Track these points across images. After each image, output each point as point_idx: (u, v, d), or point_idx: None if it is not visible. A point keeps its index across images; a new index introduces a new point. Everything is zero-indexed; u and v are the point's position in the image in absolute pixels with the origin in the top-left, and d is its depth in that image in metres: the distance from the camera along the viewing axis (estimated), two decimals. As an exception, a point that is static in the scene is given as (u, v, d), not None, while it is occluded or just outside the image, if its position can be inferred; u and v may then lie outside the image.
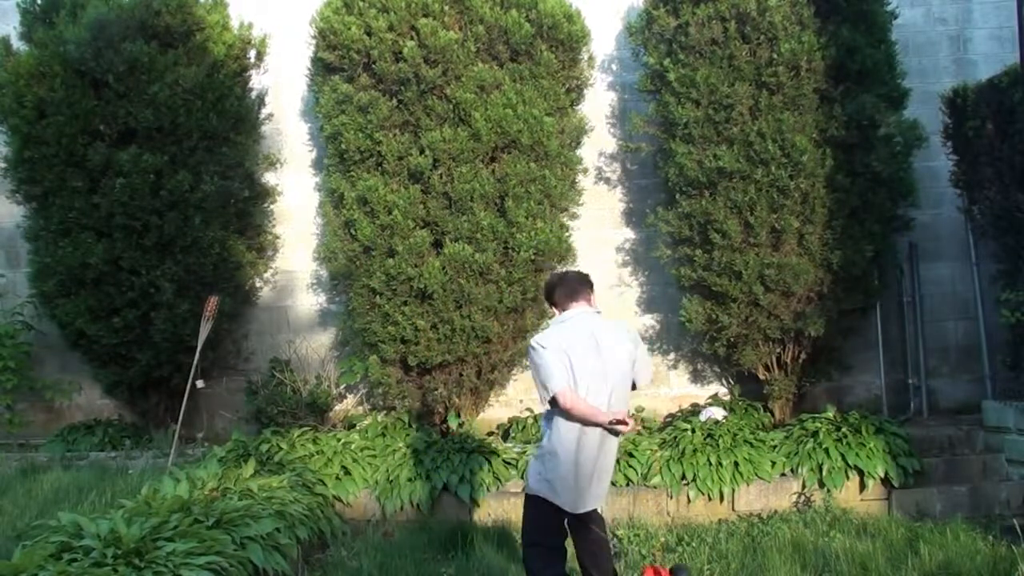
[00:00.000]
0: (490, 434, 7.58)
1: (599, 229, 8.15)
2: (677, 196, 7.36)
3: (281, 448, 6.50)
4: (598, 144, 8.18)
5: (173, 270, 7.32)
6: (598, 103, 8.19)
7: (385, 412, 7.41)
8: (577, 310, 4.26)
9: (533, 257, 7.08)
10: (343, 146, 7.18)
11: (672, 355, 8.19)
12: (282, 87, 8.26)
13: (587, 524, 4.23)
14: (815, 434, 6.58)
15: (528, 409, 7.85)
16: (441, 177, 7.09)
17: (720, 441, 6.55)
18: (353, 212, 7.18)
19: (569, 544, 4.31)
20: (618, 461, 5.90)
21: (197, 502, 4.79)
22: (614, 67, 8.39)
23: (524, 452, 6.65)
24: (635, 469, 6.50)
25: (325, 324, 8.29)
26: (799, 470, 6.46)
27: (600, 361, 4.10)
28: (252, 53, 7.94)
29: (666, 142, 7.41)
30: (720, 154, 7.01)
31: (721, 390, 8.07)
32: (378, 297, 7.16)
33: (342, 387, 7.84)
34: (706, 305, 7.31)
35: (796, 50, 6.84)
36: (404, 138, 7.12)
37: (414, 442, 6.72)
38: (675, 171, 7.27)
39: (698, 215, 7.20)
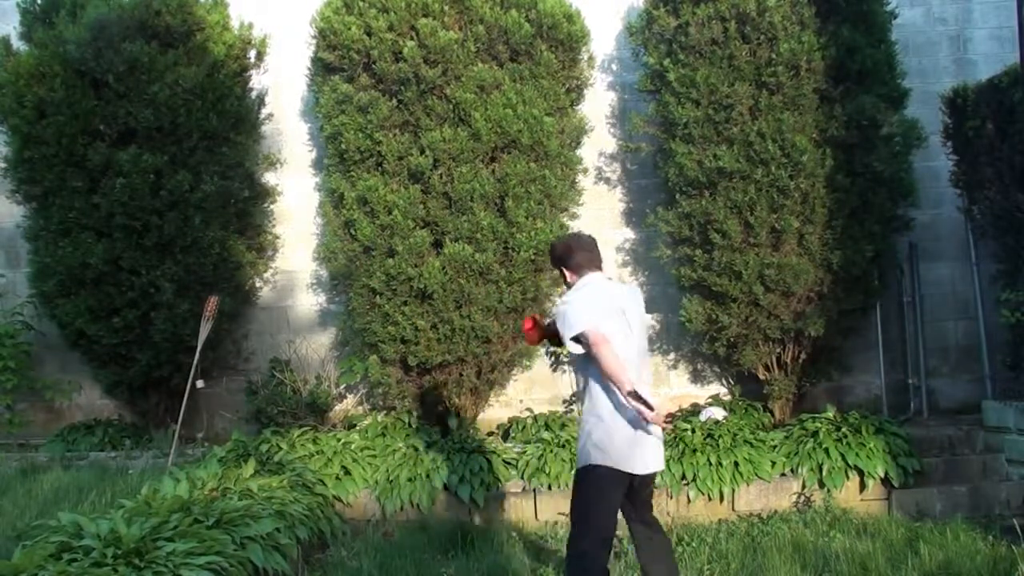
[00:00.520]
0: (490, 434, 7.58)
1: (599, 229, 8.08)
2: (677, 196, 7.36)
3: (281, 448, 6.50)
4: (598, 144, 8.18)
5: (173, 270, 7.32)
6: (598, 103, 8.19)
7: (385, 412, 7.41)
8: (597, 275, 4.14)
9: (533, 257, 7.09)
10: (343, 146, 7.18)
11: (672, 355, 8.19)
12: (282, 87, 8.26)
13: (650, 525, 4.13)
14: (815, 434, 6.58)
15: (528, 409, 7.85)
16: (441, 177, 7.09)
17: (720, 441, 6.55)
18: (353, 212, 7.18)
19: None
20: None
21: (197, 502, 4.79)
22: (614, 67, 8.39)
23: (524, 452, 6.66)
24: (635, 469, 6.49)
25: (325, 324, 8.29)
26: (799, 470, 6.46)
27: (628, 330, 4.01)
28: (252, 53, 7.93)
29: (666, 142, 7.41)
30: (720, 154, 7.01)
31: (721, 390, 8.07)
32: (378, 297, 7.16)
33: (342, 387, 7.84)
34: (706, 305, 7.31)
35: (796, 50, 6.84)
36: (404, 138, 7.12)
37: (414, 442, 6.72)
38: (675, 171, 7.28)
39: (698, 215, 7.20)
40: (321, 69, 7.42)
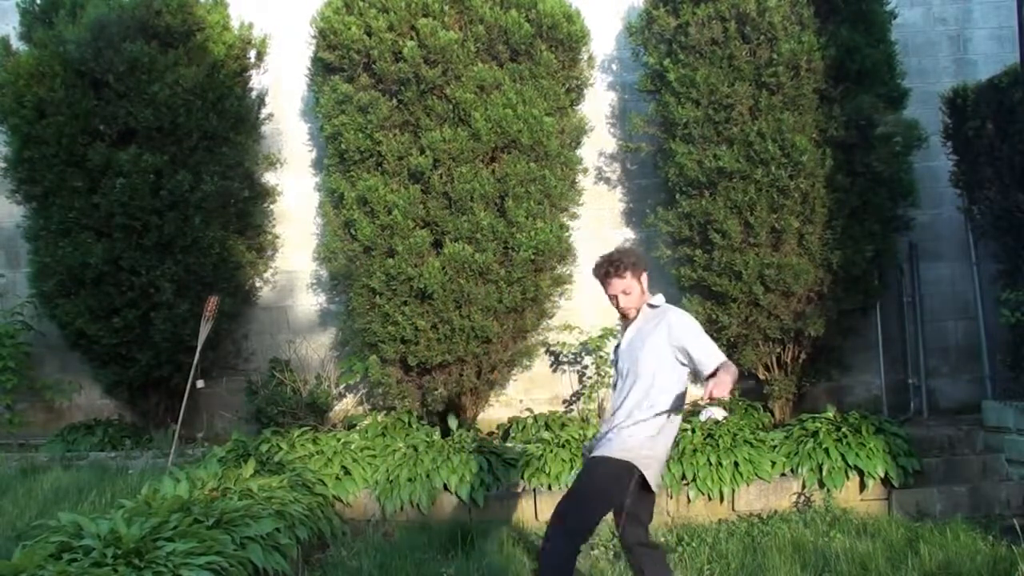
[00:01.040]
0: (490, 434, 7.58)
1: (599, 229, 8.14)
2: (677, 196, 7.36)
3: (281, 448, 6.49)
4: (598, 144, 8.19)
5: (173, 270, 7.32)
6: (598, 103, 8.19)
7: (385, 412, 7.41)
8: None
9: (533, 257, 7.08)
10: (343, 146, 7.18)
11: (672, 355, 8.18)
12: (282, 87, 8.26)
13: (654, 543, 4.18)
14: (815, 434, 6.58)
15: (528, 409, 7.85)
16: (441, 177, 7.09)
17: (720, 441, 6.55)
18: (353, 212, 7.18)
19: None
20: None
21: (197, 502, 4.78)
22: (614, 67, 8.39)
23: (524, 452, 6.65)
24: (635, 469, 6.49)
25: (325, 324, 8.29)
26: (799, 470, 6.46)
27: None
28: (252, 53, 7.94)
29: (666, 142, 7.41)
30: (720, 154, 7.01)
31: (721, 390, 8.05)
32: (378, 297, 7.16)
33: (342, 387, 7.84)
34: (706, 305, 7.31)
35: (795, 50, 6.84)
36: (404, 138, 7.12)
37: (414, 442, 6.72)
38: (675, 171, 7.28)
39: (698, 215, 7.20)
40: (321, 69, 7.42)
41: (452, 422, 7.13)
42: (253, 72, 7.98)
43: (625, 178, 8.35)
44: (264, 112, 8.06)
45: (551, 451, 6.57)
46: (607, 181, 8.35)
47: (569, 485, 6.30)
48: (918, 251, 7.86)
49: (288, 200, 8.26)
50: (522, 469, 6.49)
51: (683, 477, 6.41)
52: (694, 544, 5.64)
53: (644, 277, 4.20)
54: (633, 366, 4.08)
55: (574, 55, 7.40)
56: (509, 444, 7.10)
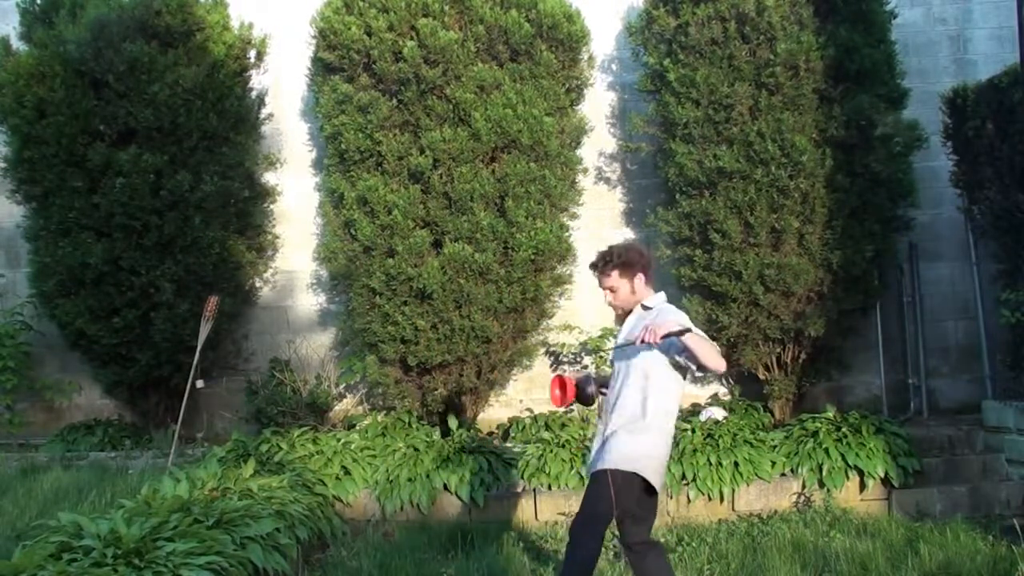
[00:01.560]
0: (490, 434, 7.58)
1: (599, 229, 8.14)
2: (677, 196, 7.37)
3: (281, 448, 6.49)
4: (598, 144, 8.19)
5: (173, 270, 7.32)
6: (598, 103, 8.19)
7: (385, 412, 7.41)
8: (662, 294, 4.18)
9: (533, 257, 7.09)
10: (343, 146, 7.18)
11: (672, 355, 8.18)
12: (282, 87, 8.27)
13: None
14: (815, 434, 6.58)
15: (528, 409, 7.85)
16: (441, 177, 7.09)
17: (720, 441, 6.54)
18: (353, 212, 7.18)
19: None
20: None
21: (197, 502, 4.78)
22: (614, 67, 8.39)
23: (524, 452, 6.65)
24: (635, 469, 6.49)
25: (325, 324, 8.29)
26: (799, 470, 6.46)
27: None
28: (252, 53, 7.94)
29: (666, 142, 7.41)
30: (720, 154, 7.01)
31: (721, 390, 8.06)
32: (378, 297, 7.16)
33: (342, 387, 7.85)
34: (706, 305, 7.31)
35: (793, 50, 6.84)
36: (404, 138, 7.12)
37: (414, 442, 6.72)
38: (675, 171, 7.28)
39: (698, 215, 7.20)
40: (321, 69, 7.42)
41: (452, 422, 7.13)
42: (253, 72, 7.98)
43: (625, 178, 8.35)
44: (264, 112, 8.06)
45: (551, 451, 6.57)
46: (607, 181, 8.35)
47: (568, 485, 6.35)
48: (918, 251, 7.85)
49: (288, 200, 8.26)
50: (522, 469, 6.49)
51: (683, 477, 6.41)
52: (694, 544, 5.64)
53: (639, 278, 4.08)
54: (625, 366, 4.06)
55: (574, 55, 7.40)
56: (509, 444, 7.11)
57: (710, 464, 6.41)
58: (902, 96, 7.26)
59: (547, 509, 6.37)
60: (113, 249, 7.27)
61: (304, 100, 8.27)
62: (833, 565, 5.11)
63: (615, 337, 7.62)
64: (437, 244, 7.15)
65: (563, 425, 7.22)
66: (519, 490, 6.48)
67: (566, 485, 6.39)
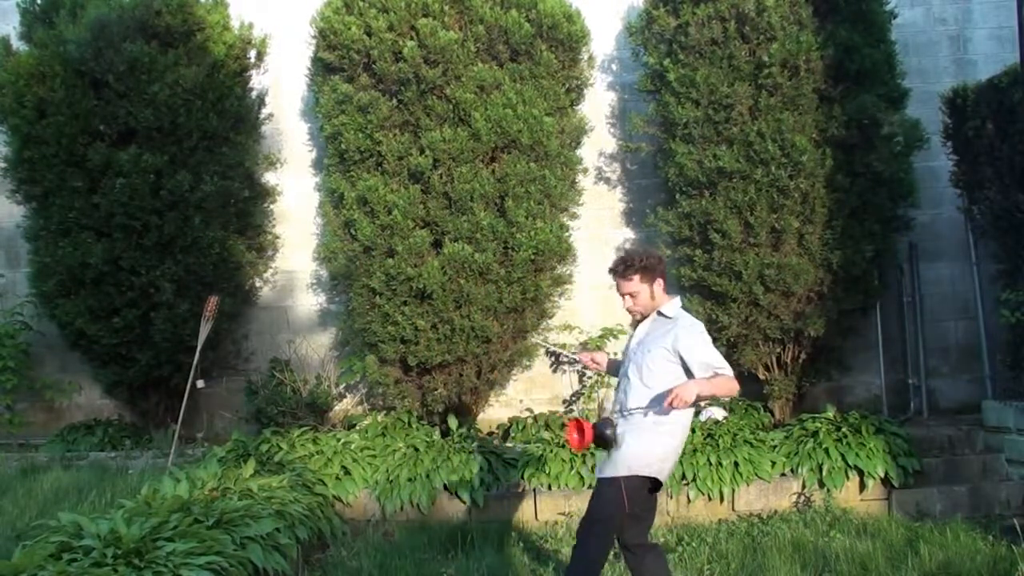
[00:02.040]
0: (490, 434, 7.58)
1: (599, 229, 8.15)
2: (677, 196, 7.37)
3: (281, 448, 6.49)
4: (598, 144, 8.19)
5: (173, 270, 7.32)
6: (598, 103, 8.19)
7: (385, 412, 7.41)
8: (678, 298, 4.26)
9: (533, 257, 7.08)
10: (343, 146, 7.18)
11: (672, 355, 8.18)
12: (282, 87, 8.27)
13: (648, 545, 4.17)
14: (815, 434, 6.58)
15: (528, 409, 7.85)
16: (441, 177, 7.09)
17: (720, 441, 6.55)
18: (353, 212, 7.18)
19: None
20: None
21: (197, 502, 4.79)
22: (614, 67, 8.39)
23: (524, 452, 6.65)
24: (635, 469, 6.49)
25: (325, 324, 8.29)
26: (799, 470, 6.46)
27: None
28: (252, 53, 7.94)
29: (666, 142, 7.41)
30: (720, 154, 7.01)
31: (721, 390, 8.05)
32: (378, 297, 7.16)
33: (342, 387, 7.85)
34: (706, 305, 7.31)
35: (792, 50, 6.84)
36: (404, 138, 7.12)
37: (414, 442, 6.72)
38: (675, 171, 7.28)
39: (698, 215, 7.20)
40: (321, 69, 7.42)
41: (452, 422, 7.13)
42: (253, 72, 7.98)
43: (625, 178, 8.35)
44: (264, 112, 8.06)
45: (551, 451, 6.57)
46: (607, 181, 8.35)
47: (568, 485, 6.35)
48: (918, 251, 7.86)
49: (288, 200, 8.26)
50: (522, 469, 6.49)
51: (683, 477, 6.41)
52: (694, 544, 5.64)
53: (658, 283, 4.12)
54: (637, 371, 4.06)
55: (574, 55, 7.40)
56: (509, 444, 7.11)
57: (710, 464, 6.41)
58: (902, 96, 7.26)
59: (547, 509, 6.37)
60: (113, 249, 7.27)
61: (304, 100, 8.27)
62: (833, 565, 5.12)
63: (615, 337, 7.64)
64: (437, 244, 7.15)
65: (563, 425, 7.22)
66: (519, 490, 6.48)
67: (566, 485, 6.39)
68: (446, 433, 7.09)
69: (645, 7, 7.61)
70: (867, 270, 7.24)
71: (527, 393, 8.12)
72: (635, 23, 7.68)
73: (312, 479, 6.14)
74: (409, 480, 6.41)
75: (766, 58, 6.88)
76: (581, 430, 4.04)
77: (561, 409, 7.97)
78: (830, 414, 6.83)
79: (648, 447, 3.96)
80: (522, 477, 6.49)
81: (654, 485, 4.02)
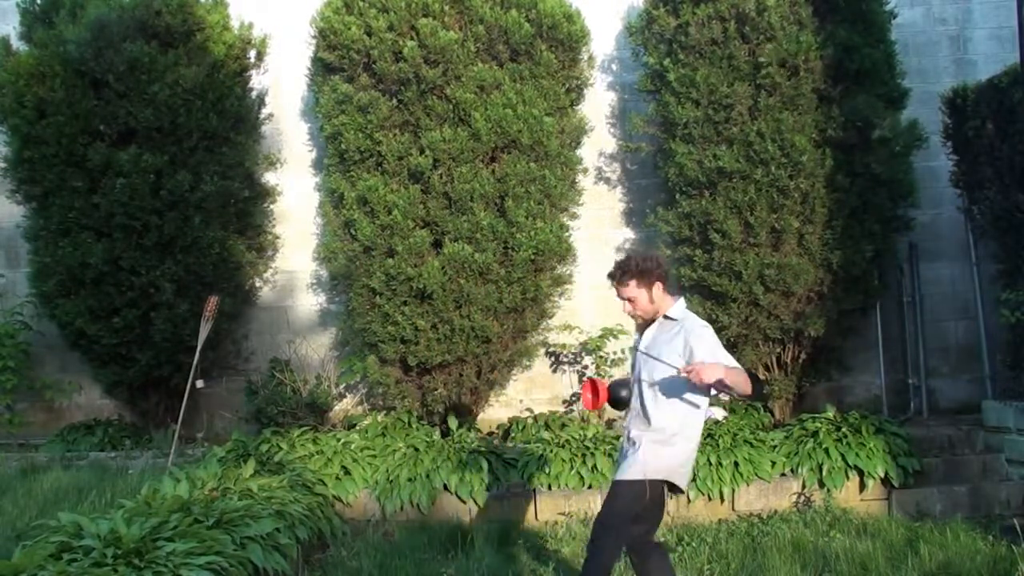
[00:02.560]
0: (490, 434, 7.58)
1: (599, 229, 8.15)
2: (677, 196, 7.37)
3: (281, 448, 6.49)
4: (598, 144, 8.19)
5: (173, 270, 7.32)
6: (598, 103, 8.19)
7: (385, 412, 7.41)
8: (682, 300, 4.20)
9: (533, 257, 7.08)
10: (343, 146, 7.18)
11: (672, 355, 8.18)
12: (282, 87, 8.27)
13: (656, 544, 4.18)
14: (815, 434, 6.58)
15: (528, 409, 7.85)
16: (441, 177, 7.09)
17: (720, 441, 6.55)
18: (353, 212, 7.18)
19: None
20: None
21: (197, 502, 4.78)
22: (614, 67, 8.39)
23: (524, 452, 6.65)
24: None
25: (325, 324, 8.29)
26: (799, 470, 6.46)
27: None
28: (252, 53, 7.93)
29: (666, 142, 7.41)
30: (720, 154, 7.01)
31: (721, 390, 8.05)
32: (378, 297, 7.16)
33: (342, 387, 7.84)
34: (706, 305, 7.31)
35: (791, 50, 6.84)
36: (404, 138, 7.12)
37: (414, 442, 6.72)
38: (675, 171, 7.28)
39: (698, 215, 7.20)
40: (321, 69, 7.42)
41: (452, 422, 7.13)
42: (253, 72, 7.98)
43: (625, 178, 8.35)
44: (264, 112, 8.06)
45: (551, 451, 6.57)
46: (607, 181, 8.35)
47: (568, 485, 6.35)
48: (918, 251, 7.86)
49: (288, 200, 8.26)
50: (522, 469, 6.50)
51: (683, 477, 6.40)
52: (694, 544, 5.64)
53: (657, 286, 4.04)
54: (650, 375, 4.03)
55: (574, 55, 7.40)
56: (509, 444, 7.11)
57: (710, 464, 6.41)
58: (902, 96, 7.26)
59: (547, 509, 6.37)
60: (113, 249, 7.26)
61: (304, 100, 8.27)
62: (833, 565, 5.12)
63: (615, 337, 7.64)
64: (437, 244, 7.15)
65: (563, 425, 7.23)
66: (519, 490, 6.48)
67: (566, 485, 6.39)
68: (446, 433, 7.09)
69: (645, 7, 7.61)
70: (867, 270, 7.24)
71: (527, 393, 8.12)
72: (635, 23, 7.68)
73: (312, 479, 6.14)
74: (409, 480, 6.41)
75: (765, 58, 6.88)
76: (596, 390, 4.04)
77: (561, 409, 7.97)
78: (830, 414, 6.83)
79: (663, 456, 3.95)
80: (522, 477, 6.49)
81: (671, 489, 4.02)
